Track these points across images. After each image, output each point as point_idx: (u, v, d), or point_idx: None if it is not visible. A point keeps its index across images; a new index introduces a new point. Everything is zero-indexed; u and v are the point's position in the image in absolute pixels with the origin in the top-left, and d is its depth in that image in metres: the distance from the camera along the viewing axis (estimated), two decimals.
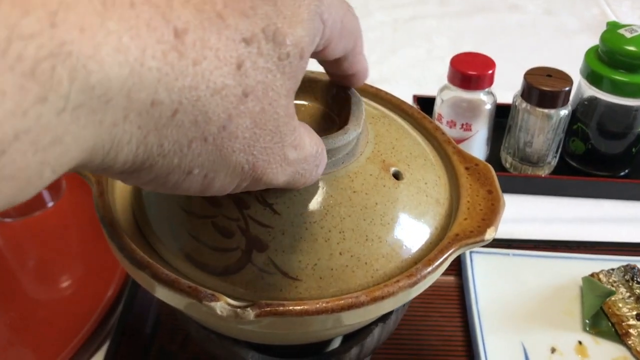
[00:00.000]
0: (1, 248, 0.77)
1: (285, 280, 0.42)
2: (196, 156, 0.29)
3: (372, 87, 0.61)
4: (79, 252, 0.78)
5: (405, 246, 0.46)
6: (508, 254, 0.72)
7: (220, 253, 0.43)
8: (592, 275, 0.68)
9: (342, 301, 0.41)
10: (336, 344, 0.57)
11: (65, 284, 0.73)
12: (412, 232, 0.46)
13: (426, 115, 0.58)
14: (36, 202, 0.80)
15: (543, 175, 0.87)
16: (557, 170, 0.88)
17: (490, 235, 0.46)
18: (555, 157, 0.86)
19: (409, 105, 0.59)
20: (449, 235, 0.46)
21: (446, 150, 0.54)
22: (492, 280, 0.69)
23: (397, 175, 0.47)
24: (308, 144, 0.35)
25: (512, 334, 0.64)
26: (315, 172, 0.38)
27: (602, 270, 0.68)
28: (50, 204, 0.81)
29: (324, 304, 0.41)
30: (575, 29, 1.29)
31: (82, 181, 0.82)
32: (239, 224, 0.43)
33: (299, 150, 0.34)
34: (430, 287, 0.45)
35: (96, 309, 0.67)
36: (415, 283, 0.43)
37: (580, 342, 0.63)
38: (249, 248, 0.43)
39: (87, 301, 0.68)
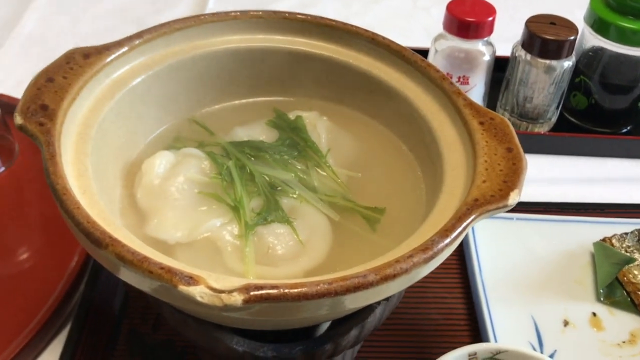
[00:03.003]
0: None
1: None
2: None
3: (367, 31, 0.53)
4: (36, 221, 0.70)
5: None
6: (512, 218, 0.66)
7: None
8: (603, 240, 0.63)
9: (348, 281, 0.34)
10: (327, 323, 0.50)
11: (20, 257, 0.65)
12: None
13: (431, 63, 0.50)
14: None
15: (543, 133, 0.80)
16: (556, 127, 0.82)
17: (514, 199, 0.40)
18: (556, 113, 0.80)
19: (410, 51, 0.51)
20: (467, 200, 0.40)
21: (456, 103, 0.47)
22: (495, 247, 0.63)
23: None
24: None
25: (520, 305, 0.58)
26: None
27: (614, 235, 0.63)
28: (2, 169, 0.72)
29: (325, 286, 0.34)
30: None
31: None
32: None
33: None
34: None
35: (56, 286, 0.59)
36: (431, 258, 0.37)
37: (594, 314, 0.58)
38: None
39: (45, 277, 0.61)
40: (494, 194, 0.40)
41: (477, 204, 0.39)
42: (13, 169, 0.73)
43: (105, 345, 0.57)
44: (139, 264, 0.34)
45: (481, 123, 0.45)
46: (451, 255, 0.62)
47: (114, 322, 0.59)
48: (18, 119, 0.42)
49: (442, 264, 0.56)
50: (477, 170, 0.42)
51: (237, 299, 0.33)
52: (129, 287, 0.61)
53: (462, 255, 0.64)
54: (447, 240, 0.37)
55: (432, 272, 0.62)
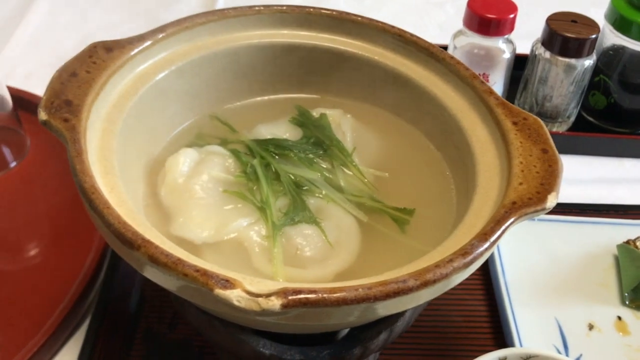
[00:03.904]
0: None
1: None
2: None
3: (394, 27, 0.52)
4: (49, 217, 0.68)
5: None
6: (533, 220, 0.64)
7: None
8: (627, 242, 0.62)
9: (387, 286, 0.33)
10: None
11: (34, 255, 0.63)
12: None
13: (460, 61, 0.49)
14: None
15: (561, 132, 0.79)
16: (574, 127, 0.81)
17: (552, 202, 0.39)
18: (575, 112, 0.79)
19: (439, 49, 0.50)
20: (505, 203, 0.39)
21: (487, 102, 0.46)
22: (517, 249, 0.62)
23: None
24: None
25: (544, 308, 0.57)
26: None
27: (638, 237, 0.62)
28: (13, 164, 0.71)
29: (365, 291, 0.33)
30: None
31: (50, 136, 0.72)
32: None
33: None
34: None
35: (72, 284, 0.58)
36: (471, 262, 0.36)
37: (619, 318, 0.57)
38: None
39: (60, 274, 0.59)
40: (532, 196, 0.39)
41: (515, 207, 0.38)
42: (24, 164, 0.72)
43: (122, 344, 0.56)
44: (173, 266, 0.33)
45: (514, 123, 0.44)
46: None
47: (130, 321, 0.58)
48: (42, 115, 0.41)
49: None
50: (512, 172, 0.41)
51: (275, 303, 0.32)
52: (145, 283, 0.60)
53: None
54: (487, 245, 0.36)
55: None
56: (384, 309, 0.35)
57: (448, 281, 0.35)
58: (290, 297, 0.32)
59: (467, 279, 0.61)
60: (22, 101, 0.74)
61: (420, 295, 0.35)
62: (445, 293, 0.60)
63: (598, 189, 0.74)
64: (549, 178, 0.40)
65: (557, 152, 0.42)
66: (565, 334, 0.56)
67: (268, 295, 0.32)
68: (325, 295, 0.33)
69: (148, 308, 0.59)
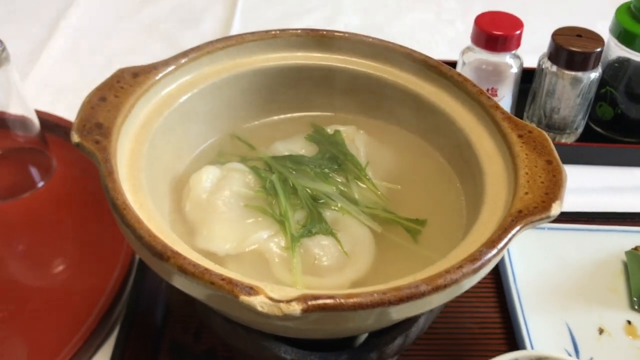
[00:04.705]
0: None
1: None
2: None
3: (403, 47, 0.55)
4: (76, 234, 0.70)
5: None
6: (543, 228, 0.67)
7: None
8: (635, 248, 0.63)
9: (401, 292, 0.36)
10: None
11: (62, 271, 0.65)
12: None
13: (468, 78, 0.52)
14: (25, 182, 0.73)
15: (569, 143, 0.81)
16: (582, 138, 0.83)
17: (556, 210, 0.41)
18: (582, 123, 0.81)
19: (447, 67, 0.53)
20: (511, 212, 0.41)
21: (494, 117, 0.48)
22: (528, 257, 0.64)
23: None
24: None
25: (555, 313, 0.59)
26: None
27: None
28: (41, 184, 0.74)
29: (379, 296, 0.35)
30: None
31: (75, 157, 0.75)
32: None
33: None
34: None
35: (100, 298, 0.60)
36: (479, 268, 0.38)
37: (629, 322, 0.59)
38: None
39: (88, 289, 0.61)
40: (537, 205, 0.41)
41: (521, 216, 0.40)
42: (51, 183, 0.74)
43: (149, 355, 0.58)
44: (201, 275, 0.35)
45: (520, 136, 0.47)
46: None
47: (157, 333, 0.60)
48: (75, 137, 0.43)
49: None
50: (518, 182, 0.43)
51: (296, 308, 0.34)
52: (170, 296, 0.63)
53: (495, 266, 0.65)
54: (495, 251, 0.38)
55: None
56: (398, 313, 0.37)
57: (458, 286, 0.37)
58: (310, 303, 0.34)
59: (479, 287, 0.64)
60: (48, 123, 0.77)
61: (432, 300, 0.37)
62: (459, 301, 0.62)
63: (606, 198, 0.75)
64: (554, 187, 0.42)
65: (561, 162, 0.45)
66: (576, 338, 0.57)
67: (289, 301, 0.35)
68: (342, 301, 0.35)
69: (173, 320, 0.61)
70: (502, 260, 0.64)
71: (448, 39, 1.04)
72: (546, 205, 0.41)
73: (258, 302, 0.34)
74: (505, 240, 0.39)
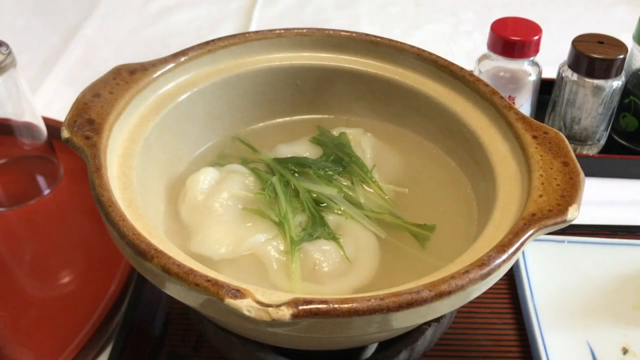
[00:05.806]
0: None
1: None
2: None
3: (413, 46, 0.53)
4: (79, 243, 0.69)
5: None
6: (563, 242, 0.63)
7: None
8: None
9: (400, 297, 0.33)
10: (373, 347, 0.49)
11: (63, 279, 0.65)
12: None
13: (480, 78, 0.49)
14: (31, 189, 0.73)
15: (592, 155, 0.78)
16: (604, 150, 0.79)
17: (573, 214, 0.38)
18: (605, 134, 0.78)
19: (458, 66, 0.50)
20: (524, 215, 0.38)
21: (507, 117, 0.46)
22: (546, 271, 0.61)
23: None
24: None
25: (575, 331, 0.55)
26: None
27: None
28: (47, 192, 0.73)
29: (377, 301, 0.33)
30: None
31: (82, 165, 0.74)
32: None
33: None
34: None
35: (98, 307, 0.59)
36: (487, 274, 0.35)
37: None
38: None
39: (87, 298, 0.60)
40: (552, 208, 0.38)
41: (534, 219, 0.38)
42: (58, 191, 0.73)
43: None
44: (185, 276, 0.33)
45: (534, 137, 0.44)
46: (500, 279, 0.60)
47: (155, 343, 0.58)
48: (65, 133, 0.42)
49: (490, 288, 0.54)
50: (532, 184, 0.40)
51: (286, 313, 0.32)
52: (170, 306, 0.61)
53: (511, 279, 0.62)
54: (505, 256, 0.36)
55: (481, 297, 0.60)
56: (399, 321, 0.34)
57: (464, 293, 0.34)
58: (300, 307, 0.32)
59: (494, 301, 0.61)
60: (56, 131, 0.76)
61: (436, 308, 0.34)
62: (472, 314, 0.59)
63: (630, 211, 0.72)
64: (570, 190, 0.39)
65: (578, 164, 0.42)
66: (597, 358, 0.53)
67: (278, 306, 0.32)
68: (336, 306, 0.32)
69: (172, 331, 0.59)
70: (519, 274, 0.60)
71: (465, 50, 1.01)
72: (562, 208, 0.38)
73: (245, 305, 0.32)
74: (517, 244, 0.36)
